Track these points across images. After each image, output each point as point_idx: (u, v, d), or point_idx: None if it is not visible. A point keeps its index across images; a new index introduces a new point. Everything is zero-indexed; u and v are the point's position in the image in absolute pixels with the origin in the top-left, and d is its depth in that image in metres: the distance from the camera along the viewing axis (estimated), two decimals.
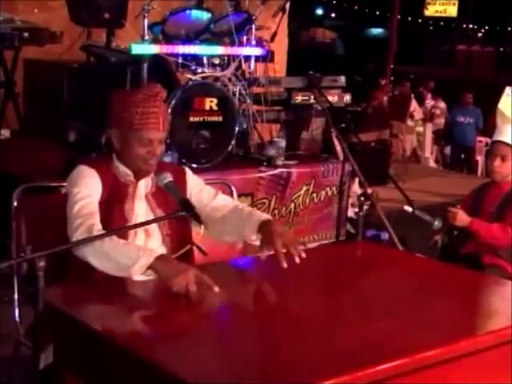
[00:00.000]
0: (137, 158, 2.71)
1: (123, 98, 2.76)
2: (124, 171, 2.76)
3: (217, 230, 2.84)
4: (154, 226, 2.75)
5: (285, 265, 2.51)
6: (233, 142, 5.14)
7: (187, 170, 2.94)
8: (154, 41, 4.99)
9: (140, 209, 2.76)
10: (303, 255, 2.54)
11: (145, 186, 2.79)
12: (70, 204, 2.63)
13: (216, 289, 2.36)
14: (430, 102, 12.40)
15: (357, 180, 5.64)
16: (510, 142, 3.93)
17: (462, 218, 3.89)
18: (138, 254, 2.46)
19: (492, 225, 3.87)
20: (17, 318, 2.95)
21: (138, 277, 2.45)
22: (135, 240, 2.72)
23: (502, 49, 25.34)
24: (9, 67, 5.75)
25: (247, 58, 5.51)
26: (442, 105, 12.50)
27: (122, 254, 2.48)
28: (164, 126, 2.71)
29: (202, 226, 2.69)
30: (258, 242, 2.69)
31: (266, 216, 2.76)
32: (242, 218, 2.77)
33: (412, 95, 11.53)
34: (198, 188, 2.90)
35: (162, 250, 2.73)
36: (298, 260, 2.52)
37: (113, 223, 2.66)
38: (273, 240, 2.57)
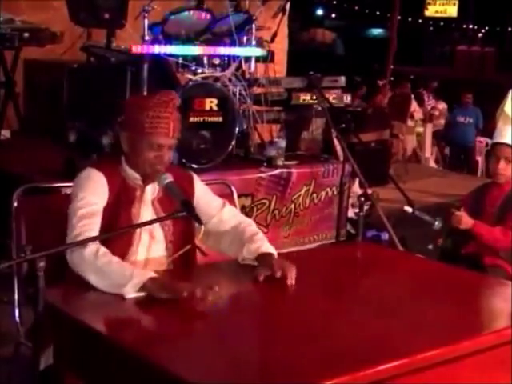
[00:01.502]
0: (145, 163, 2.70)
1: (136, 102, 2.78)
2: (132, 175, 2.75)
3: (216, 244, 2.86)
4: (158, 230, 2.75)
5: (278, 274, 2.53)
6: (233, 143, 5.13)
7: (194, 176, 2.93)
8: (154, 41, 4.98)
9: (146, 214, 2.74)
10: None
11: (151, 191, 2.78)
12: (73, 209, 2.62)
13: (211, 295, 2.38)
14: (430, 103, 12.41)
15: (357, 180, 5.64)
16: None
17: (466, 220, 3.88)
18: (131, 272, 2.44)
19: (494, 228, 3.86)
20: (17, 319, 2.94)
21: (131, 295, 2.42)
22: (139, 243, 2.72)
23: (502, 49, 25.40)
24: (9, 67, 5.75)
25: (247, 59, 5.50)
26: (442, 106, 12.50)
27: (115, 272, 2.45)
28: (174, 133, 2.70)
29: (202, 227, 2.70)
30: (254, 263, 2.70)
31: (266, 246, 2.74)
32: (242, 240, 2.77)
33: (412, 96, 11.54)
34: (205, 198, 2.89)
35: (165, 253, 2.75)
36: (289, 282, 2.54)
37: (119, 226, 2.65)
38: (271, 267, 2.59)
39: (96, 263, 2.46)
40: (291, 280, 2.55)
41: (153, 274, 2.44)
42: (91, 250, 2.48)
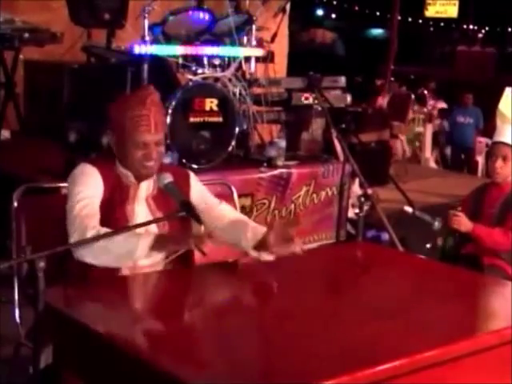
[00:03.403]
0: (134, 162, 2.72)
1: (117, 103, 2.79)
2: (125, 173, 2.77)
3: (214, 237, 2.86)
4: (153, 228, 2.74)
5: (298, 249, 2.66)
6: (233, 143, 5.13)
7: (191, 174, 2.94)
8: (155, 41, 4.99)
9: (140, 211, 2.76)
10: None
11: (146, 188, 2.79)
12: (71, 203, 2.64)
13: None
14: (430, 103, 12.39)
15: (357, 180, 5.63)
16: (510, 142, 3.92)
17: (465, 223, 3.87)
18: (136, 238, 2.51)
19: (493, 230, 3.85)
20: (17, 319, 2.95)
21: (143, 262, 2.48)
22: None
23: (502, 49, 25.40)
24: (9, 68, 5.76)
25: (247, 59, 5.50)
26: (441, 106, 12.48)
27: (120, 243, 2.51)
28: (157, 128, 2.71)
29: (202, 226, 2.70)
30: (255, 254, 2.72)
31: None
32: (241, 228, 2.80)
33: (412, 96, 11.52)
34: (200, 195, 2.89)
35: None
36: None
37: (115, 224, 2.65)
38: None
39: (98, 242, 2.49)
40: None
41: (156, 233, 2.57)
42: (91, 233, 2.52)
